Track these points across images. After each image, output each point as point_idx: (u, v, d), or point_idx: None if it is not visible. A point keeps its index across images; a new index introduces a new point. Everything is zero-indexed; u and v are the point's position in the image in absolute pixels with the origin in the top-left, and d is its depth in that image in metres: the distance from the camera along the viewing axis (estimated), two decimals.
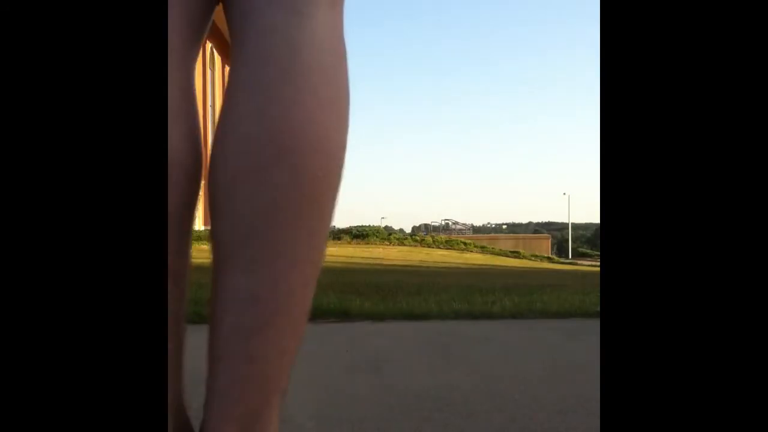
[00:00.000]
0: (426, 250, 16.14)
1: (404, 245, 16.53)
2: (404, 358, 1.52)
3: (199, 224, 20.35)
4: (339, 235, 17.53)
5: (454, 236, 23.65)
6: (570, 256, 31.87)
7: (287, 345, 0.57)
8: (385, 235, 17.87)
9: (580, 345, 1.73)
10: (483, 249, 17.65)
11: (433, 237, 19.84)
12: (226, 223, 0.55)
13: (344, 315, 2.10)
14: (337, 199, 0.58)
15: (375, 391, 1.20)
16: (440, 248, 17.01)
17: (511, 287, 3.44)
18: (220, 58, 23.36)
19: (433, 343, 1.74)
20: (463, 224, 40.50)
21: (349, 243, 15.70)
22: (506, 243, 25.84)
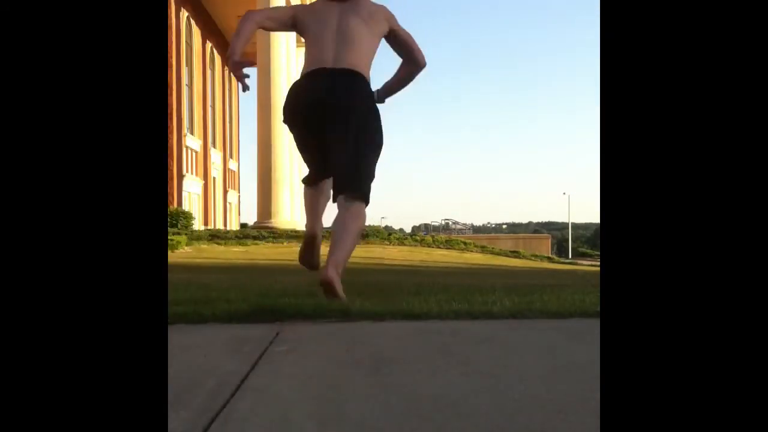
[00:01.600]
0: (426, 249, 16.14)
1: (404, 245, 16.53)
2: (404, 358, 1.52)
3: (199, 224, 20.27)
4: None
5: (454, 236, 23.65)
6: (570, 256, 31.85)
7: (351, 244, 2.56)
8: (385, 235, 17.84)
9: (580, 345, 1.73)
10: (483, 249, 17.64)
11: (433, 237, 19.83)
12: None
13: (344, 315, 2.10)
14: (364, 227, 2.81)
15: (375, 391, 1.20)
16: (440, 248, 17.00)
17: (511, 287, 3.44)
18: (220, 57, 23.33)
19: (433, 342, 1.74)
20: (463, 224, 40.50)
21: None
22: (506, 243, 25.84)
